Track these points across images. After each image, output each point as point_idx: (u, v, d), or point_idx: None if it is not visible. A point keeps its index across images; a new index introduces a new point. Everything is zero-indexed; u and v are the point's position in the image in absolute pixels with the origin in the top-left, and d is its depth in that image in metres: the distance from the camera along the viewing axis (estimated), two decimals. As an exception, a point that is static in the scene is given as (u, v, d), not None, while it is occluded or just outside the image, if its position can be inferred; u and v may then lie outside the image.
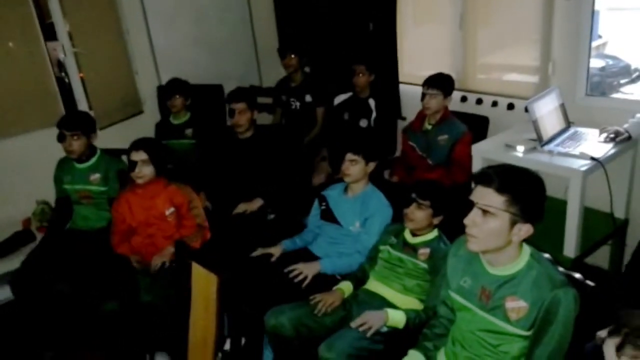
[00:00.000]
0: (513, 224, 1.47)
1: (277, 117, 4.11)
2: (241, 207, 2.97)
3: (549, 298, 1.46)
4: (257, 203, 2.97)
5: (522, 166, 1.58)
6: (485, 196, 1.48)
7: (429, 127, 3.05)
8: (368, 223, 2.47)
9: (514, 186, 1.47)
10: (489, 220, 1.48)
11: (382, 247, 2.30)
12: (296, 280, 2.37)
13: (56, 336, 2.69)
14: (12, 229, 3.31)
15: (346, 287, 2.27)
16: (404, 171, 3.19)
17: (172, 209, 2.64)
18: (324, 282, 2.35)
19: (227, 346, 2.39)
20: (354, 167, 2.50)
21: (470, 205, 1.50)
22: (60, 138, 2.78)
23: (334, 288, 2.25)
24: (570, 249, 2.39)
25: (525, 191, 1.48)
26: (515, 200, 1.46)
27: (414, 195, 2.16)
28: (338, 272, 2.43)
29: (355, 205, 2.53)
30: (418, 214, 2.15)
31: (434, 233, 2.20)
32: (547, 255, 1.61)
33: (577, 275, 1.62)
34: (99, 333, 2.56)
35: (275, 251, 2.60)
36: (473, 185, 1.55)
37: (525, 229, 1.49)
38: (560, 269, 1.59)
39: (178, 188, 2.67)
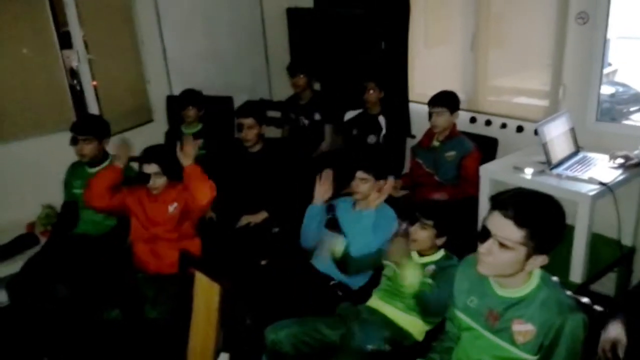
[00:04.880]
0: (529, 256, 1.44)
1: (285, 133, 4.13)
2: (245, 220, 2.96)
3: (557, 322, 1.44)
4: (262, 215, 2.96)
5: (540, 191, 1.54)
6: (503, 228, 1.43)
7: (437, 143, 3.07)
8: (377, 228, 2.45)
9: (534, 220, 1.42)
10: (506, 252, 1.43)
11: (386, 263, 2.28)
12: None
13: (54, 341, 2.66)
14: (18, 232, 3.31)
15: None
16: (409, 187, 3.19)
17: (175, 204, 2.62)
18: (324, 296, 2.34)
19: (222, 360, 2.37)
20: (364, 185, 2.50)
21: (485, 231, 1.46)
22: (73, 142, 2.80)
23: None
24: (576, 274, 2.37)
25: (546, 225, 1.43)
26: (534, 234, 1.41)
27: (417, 214, 2.14)
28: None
29: (362, 219, 2.52)
30: (421, 234, 2.14)
31: (440, 253, 2.18)
32: (555, 279, 1.58)
33: (585, 300, 1.59)
34: (99, 341, 2.53)
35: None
36: (489, 208, 1.50)
37: (540, 260, 1.45)
38: (568, 292, 1.57)
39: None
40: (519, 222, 1.41)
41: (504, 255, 1.44)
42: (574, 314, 1.44)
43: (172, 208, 2.62)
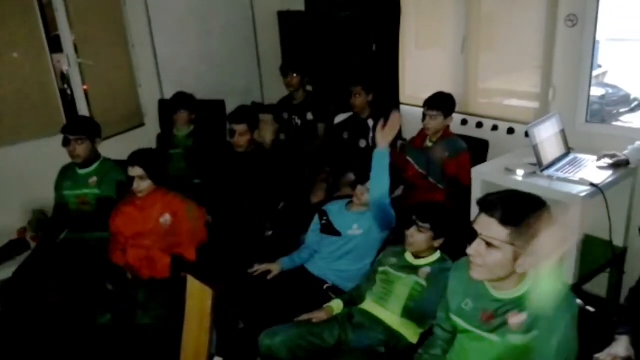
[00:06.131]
0: (517, 256, 1.43)
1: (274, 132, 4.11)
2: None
3: (550, 307, 1.42)
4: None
5: (528, 192, 1.53)
6: (488, 227, 1.44)
7: (430, 144, 3.06)
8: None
9: (519, 218, 1.42)
10: (493, 252, 1.44)
11: (381, 268, 2.28)
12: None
13: (46, 347, 2.64)
14: (8, 238, 3.28)
15: (336, 305, 2.26)
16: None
17: (167, 216, 2.62)
18: (319, 300, 2.33)
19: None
20: (367, 195, 2.51)
21: (473, 233, 1.47)
22: (65, 142, 2.79)
23: (324, 306, 2.24)
24: (568, 275, 2.38)
25: (530, 223, 1.42)
26: (520, 233, 1.41)
27: (414, 217, 2.14)
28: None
29: (356, 216, 2.54)
30: (418, 237, 2.14)
31: (436, 255, 2.19)
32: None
33: (578, 301, 1.60)
34: (91, 346, 2.51)
35: (274, 268, 2.58)
36: (477, 211, 1.52)
37: (529, 261, 1.44)
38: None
39: (175, 196, 2.66)
40: (503, 221, 1.42)
41: (492, 256, 1.44)
42: (567, 299, 1.45)
43: (163, 220, 2.62)
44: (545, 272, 1.47)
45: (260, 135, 3.04)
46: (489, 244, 1.44)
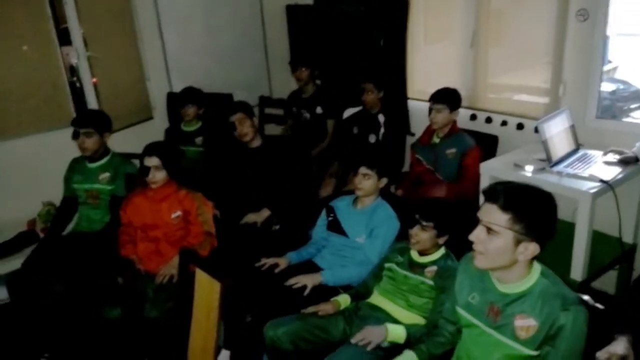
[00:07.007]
0: (518, 242, 1.45)
1: (287, 128, 4.12)
2: (250, 218, 2.96)
3: (559, 316, 1.44)
4: (265, 213, 2.96)
5: (532, 184, 1.55)
6: (489, 213, 1.47)
7: (437, 140, 3.07)
8: (374, 233, 2.46)
9: (518, 204, 1.45)
10: (493, 238, 1.46)
11: (387, 265, 2.28)
12: (295, 287, 2.36)
13: (53, 339, 2.66)
14: (18, 230, 3.30)
15: (343, 299, 2.26)
16: (409, 186, 3.19)
17: (178, 213, 2.63)
18: (325, 294, 2.33)
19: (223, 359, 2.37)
20: (367, 181, 2.51)
21: (476, 221, 1.49)
22: (74, 135, 2.80)
23: (331, 299, 2.25)
24: (577, 272, 2.37)
25: (531, 210, 1.45)
26: (519, 218, 1.43)
27: (417, 216, 2.14)
28: (339, 283, 2.42)
29: (364, 217, 2.53)
30: (422, 236, 2.13)
31: (441, 252, 2.18)
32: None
33: (586, 297, 1.59)
34: (98, 339, 2.53)
35: (281, 262, 2.59)
36: (481, 201, 1.54)
37: (531, 248, 1.46)
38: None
39: (188, 193, 2.67)
40: (503, 206, 1.45)
41: (492, 243, 1.47)
42: (577, 309, 1.44)
43: (174, 216, 2.63)
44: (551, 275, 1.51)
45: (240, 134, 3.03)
46: (489, 230, 1.46)
